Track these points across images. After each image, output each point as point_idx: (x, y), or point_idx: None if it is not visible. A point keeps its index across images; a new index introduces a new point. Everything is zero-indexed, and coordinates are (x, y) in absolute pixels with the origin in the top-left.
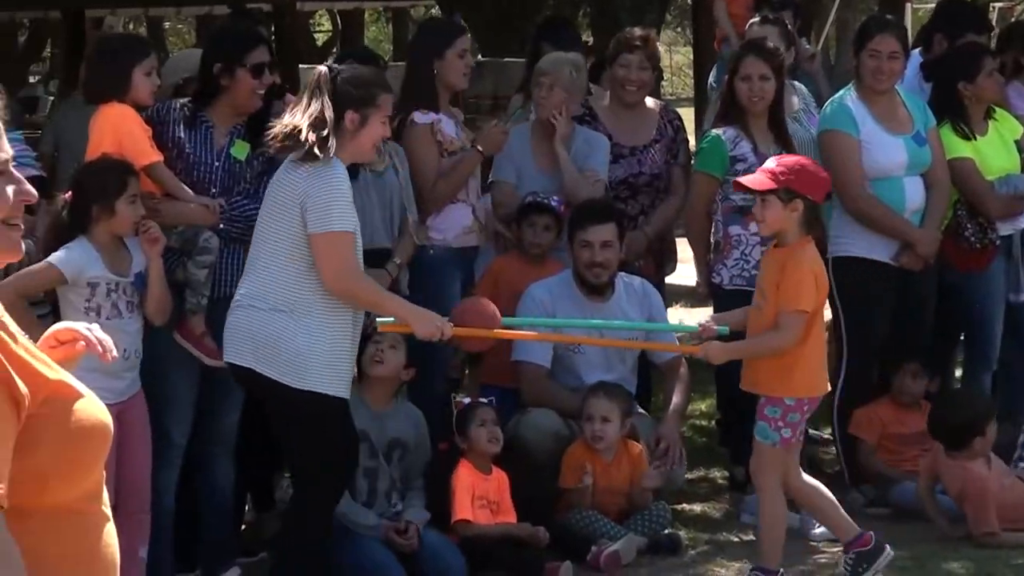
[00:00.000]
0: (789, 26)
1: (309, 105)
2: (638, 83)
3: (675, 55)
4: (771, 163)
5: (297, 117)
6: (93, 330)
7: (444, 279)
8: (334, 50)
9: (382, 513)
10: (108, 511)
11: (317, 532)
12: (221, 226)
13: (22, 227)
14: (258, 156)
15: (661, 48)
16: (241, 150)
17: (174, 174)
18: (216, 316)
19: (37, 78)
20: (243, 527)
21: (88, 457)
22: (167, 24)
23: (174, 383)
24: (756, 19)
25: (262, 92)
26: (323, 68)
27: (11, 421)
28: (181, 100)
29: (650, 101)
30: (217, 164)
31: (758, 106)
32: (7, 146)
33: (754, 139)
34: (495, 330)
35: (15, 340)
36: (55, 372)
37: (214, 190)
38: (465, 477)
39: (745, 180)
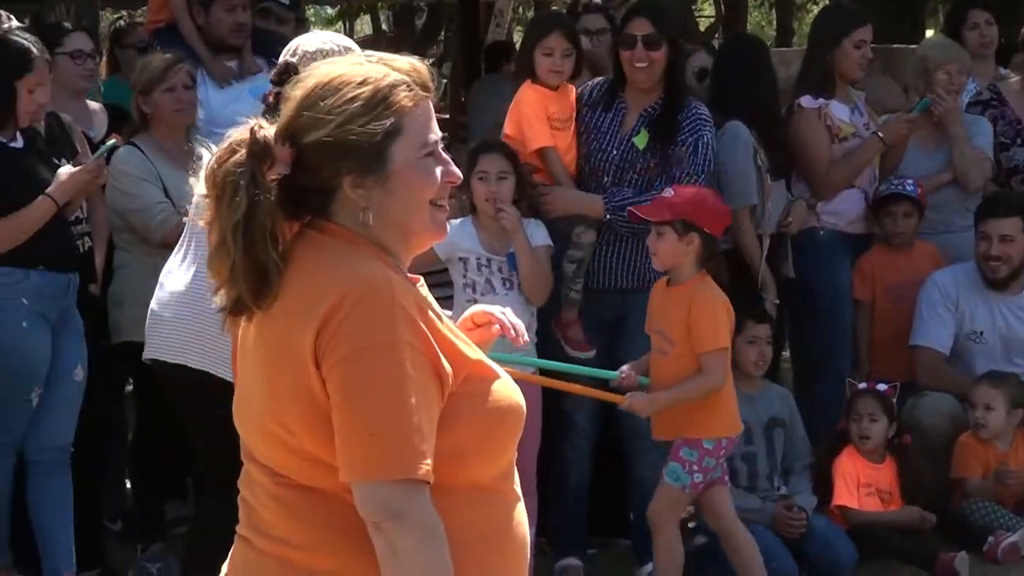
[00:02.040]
0: None
1: None
2: None
3: None
4: (668, 192)
5: None
6: (507, 314)
7: (833, 263)
8: (717, 35)
9: (765, 496)
10: (519, 491)
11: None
12: (607, 217)
13: (448, 208)
14: (654, 148)
15: None
16: (642, 139)
17: (576, 156)
18: (590, 308)
19: (431, 60)
20: None
21: (504, 437)
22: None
23: None
24: None
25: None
26: None
27: (436, 398)
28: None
29: None
30: (615, 152)
31: None
32: (437, 127)
33: None
34: None
35: (440, 320)
36: (475, 352)
37: (607, 178)
38: (848, 463)
39: (639, 210)
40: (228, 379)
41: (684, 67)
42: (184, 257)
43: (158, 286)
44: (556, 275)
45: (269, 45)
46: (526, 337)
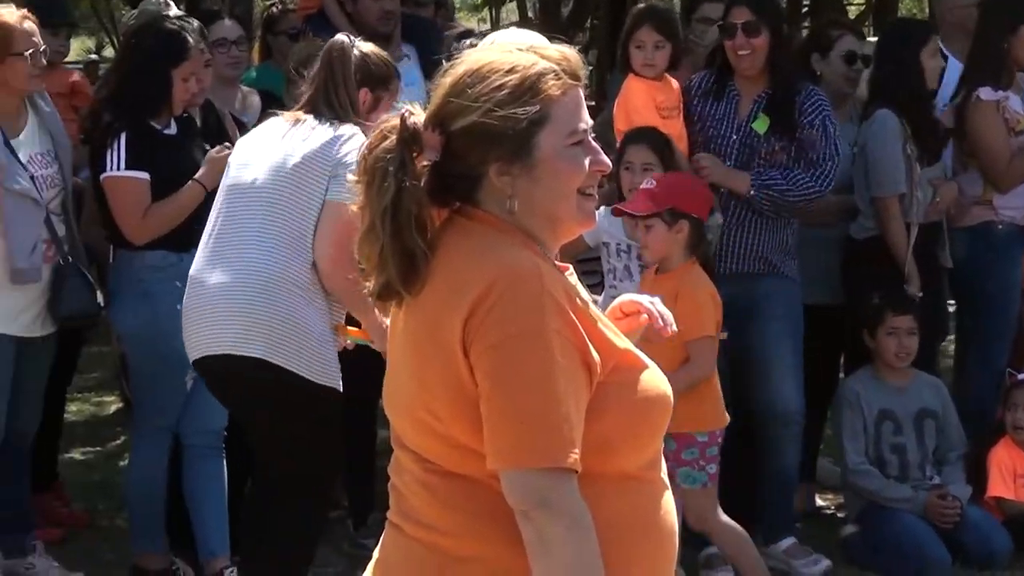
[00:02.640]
0: None
1: None
2: None
3: None
4: (648, 184)
5: None
6: (656, 303)
7: (1008, 257)
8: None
9: (916, 486)
10: (666, 480)
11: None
12: (752, 192)
13: (596, 197)
14: (777, 132)
15: None
16: (762, 124)
17: (689, 145)
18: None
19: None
20: None
21: (652, 427)
22: None
23: None
24: None
25: None
26: None
27: (584, 387)
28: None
29: None
30: (735, 138)
31: None
32: (587, 116)
33: None
34: None
35: (588, 308)
36: (623, 341)
37: (729, 163)
38: (1004, 454)
39: (624, 205)
40: (291, 368)
41: (789, 52)
42: (213, 252)
43: (196, 283)
44: None
45: (418, 32)
46: (674, 327)
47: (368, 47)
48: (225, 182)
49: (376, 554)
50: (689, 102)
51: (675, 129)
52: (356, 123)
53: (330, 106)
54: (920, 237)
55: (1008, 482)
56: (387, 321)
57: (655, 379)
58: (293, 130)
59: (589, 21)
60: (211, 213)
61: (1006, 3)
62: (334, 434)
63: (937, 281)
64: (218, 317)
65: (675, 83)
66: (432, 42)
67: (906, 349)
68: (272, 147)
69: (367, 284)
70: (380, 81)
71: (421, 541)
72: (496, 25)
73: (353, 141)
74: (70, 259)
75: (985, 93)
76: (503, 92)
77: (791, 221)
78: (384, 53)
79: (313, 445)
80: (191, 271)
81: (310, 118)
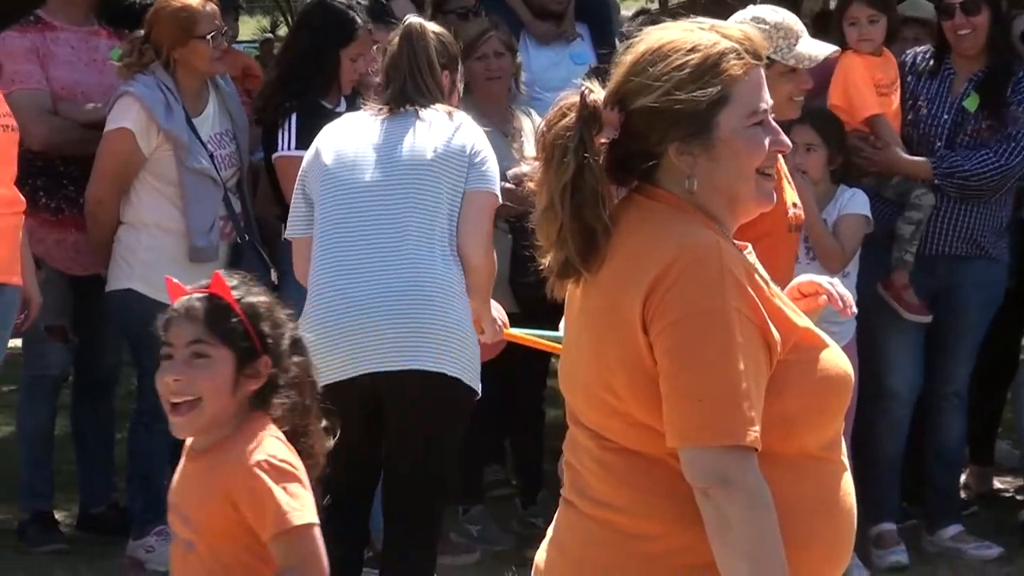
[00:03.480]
0: None
1: None
2: None
3: None
4: None
5: None
6: (835, 284)
7: None
8: None
9: None
10: (846, 461)
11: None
12: (936, 181)
13: (775, 178)
14: (986, 110)
15: None
16: (973, 102)
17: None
18: (921, 274)
19: None
20: None
21: (832, 406)
22: None
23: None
24: None
25: None
26: None
27: (764, 365)
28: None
29: None
30: (947, 117)
31: None
32: (768, 95)
33: None
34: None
35: (768, 286)
36: (803, 320)
37: (939, 143)
38: None
39: None
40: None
41: (1009, 29)
42: (350, 260)
43: (338, 294)
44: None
45: (592, 10)
46: (854, 308)
47: (433, 27)
48: (328, 184)
49: (550, 533)
50: (903, 78)
51: (890, 107)
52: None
53: (421, 93)
54: None
55: None
56: (502, 312)
57: (836, 358)
58: (399, 123)
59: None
60: (317, 218)
61: None
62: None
63: None
64: (381, 331)
65: (893, 59)
66: (605, 21)
67: None
68: (383, 143)
69: (543, 262)
70: (454, 61)
71: (596, 519)
72: (664, 6)
73: (474, 126)
74: (247, 237)
75: None
76: (684, 71)
77: (1006, 202)
78: (446, 32)
79: (458, 447)
80: (319, 282)
81: (414, 109)
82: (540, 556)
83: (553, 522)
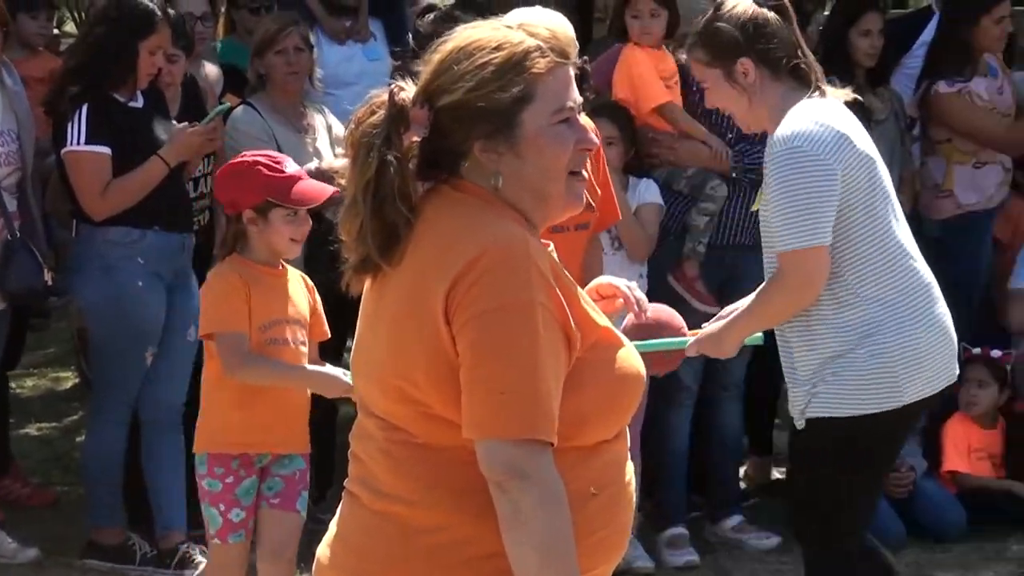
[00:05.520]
0: None
1: None
2: None
3: None
4: None
5: None
6: (632, 288)
7: None
8: None
9: None
10: (629, 450)
11: None
12: (733, 175)
13: (586, 179)
14: None
15: None
16: None
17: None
18: (712, 264)
19: None
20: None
21: (625, 404)
22: None
23: None
24: None
25: None
26: None
27: (564, 362)
28: None
29: None
30: None
31: None
32: (575, 94)
33: None
34: None
35: (571, 285)
36: (603, 319)
37: (730, 135)
38: (958, 428)
39: None
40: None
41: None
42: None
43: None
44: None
45: (385, 7)
46: (650, 313)
47: None
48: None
49: (333, 527)
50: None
51: (676, 97)
52: None
53: None
54: None
55: (963, 456)
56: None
57: (632, 358)
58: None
59: None
60: (885, 221)
61: None
62: None
63: None
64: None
65: (670, 55)
66: (399, 18)
67: None
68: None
69: (345, 259)
70: None
71: (380, 512)
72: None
73: None
74: (18, 235)
75: (942, 87)
76: (488, 70)
77: None
78: None
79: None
80: (925, 279)
81: None
82: (322, 551)
83: (336, 515)
